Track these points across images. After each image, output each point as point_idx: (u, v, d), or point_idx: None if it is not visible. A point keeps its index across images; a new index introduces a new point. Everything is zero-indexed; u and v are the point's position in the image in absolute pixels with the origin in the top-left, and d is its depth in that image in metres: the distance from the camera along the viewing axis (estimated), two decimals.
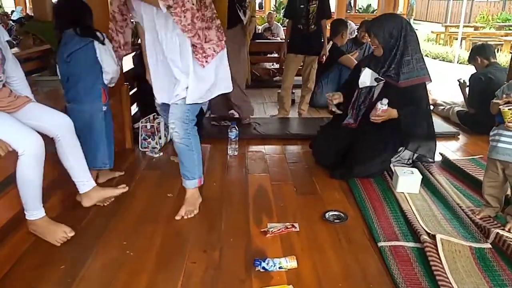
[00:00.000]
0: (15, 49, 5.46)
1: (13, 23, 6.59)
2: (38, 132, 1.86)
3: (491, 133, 2.12)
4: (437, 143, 3.35)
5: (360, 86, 2.72)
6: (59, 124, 2.03)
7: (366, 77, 2.69)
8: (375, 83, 2.67)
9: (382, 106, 2.53)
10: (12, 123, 1.81)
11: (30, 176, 1.82)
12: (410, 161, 2.84)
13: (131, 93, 3.35)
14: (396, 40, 2.58)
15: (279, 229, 2.06)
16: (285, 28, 9.28)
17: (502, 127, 2.01)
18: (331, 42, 4.42)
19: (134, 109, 3.55)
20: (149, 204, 2.37)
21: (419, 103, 2.68)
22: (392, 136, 2.70)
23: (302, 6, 3.76)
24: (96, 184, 2.24)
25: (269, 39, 7.24)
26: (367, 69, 2.71)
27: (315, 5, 3.74)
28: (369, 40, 2.66)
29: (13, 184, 1.83)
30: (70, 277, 1.72)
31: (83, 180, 2.17)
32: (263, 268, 1.76)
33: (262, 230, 2.08)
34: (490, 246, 1.94)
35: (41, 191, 1.90)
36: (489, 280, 1.72)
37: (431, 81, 2.68)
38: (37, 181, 1.86)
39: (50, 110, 2.06)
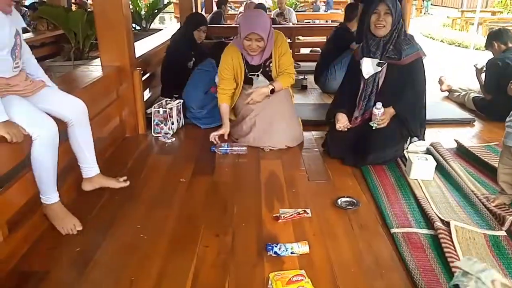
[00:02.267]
0: (30, 34, 5.52)
1: (26, 9, 6.63)
2: (52, 117, 1.88)
3: (508, 119, 2.08)
4: (452, 129, 3.31)
5: (366, 77, 2.68)
6: (73, 109, 2.06)
7: (368, 66, 2.66)
8: (379, 68, 2.63)
9: (379, 110, 2.55)
10: (27, 108, 1.83)
11: (44, 160, 1.84)
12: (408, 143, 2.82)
13: (143, 78, 3.35)
14: (398, 19, 2.57)
15: (291, 215, 2.06)
16: (297, 13, 9.21)
17: None
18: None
19: (146, 94, 3.56)
20: (162, 189, 2.39)
21: (420, 79, 2.68)
22: (404, 126, 2.68)
23: None
24: (98, 172, 2.27)
25: (282, 24, 7.17)
26: (365, 58, 2.66)
27: None
28: (379, 19, 2.53)
29: (27, 168, 1.85)
30: (84, 260, 1.75)
31: (90, 165, 2.21)
32: (275, 253, 1.77)
33: (274, 215, 2.08)
34: (505, 233, 1.92)
35: (55, 175, 1.92)
36: (504, 268, 1.71)
37: (425, 55, 2.68)
38: (51, 165, 1.88)
39: (64, 94, 2.08)
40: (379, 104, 2.56)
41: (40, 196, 1.93)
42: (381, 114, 2.57)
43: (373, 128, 2.59)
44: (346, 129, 2.71)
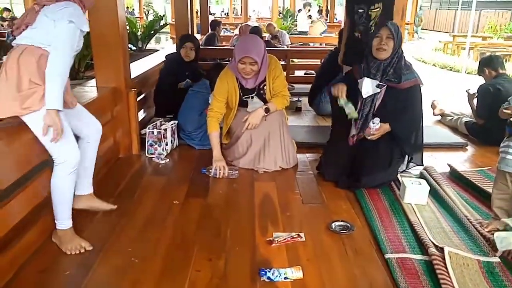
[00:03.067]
0: None
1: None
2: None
3: (502, 145, 2.10)
4: (445, 154, 3.34)
5: (364, 96, 2.71)
6: (95, 128, 2.18)
7: (368, 87, 2.69)
8: (378, 90, 2.67)
9: (375, 125, 2.58)
10: (66, 128, 1.85)
11: (64, 186, 1.89)
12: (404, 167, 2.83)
13: (138, 99, 3.36)
14: (398, 45, 2.62)
15: (285, 239, 2.04)
16: (291, 36, 9.35)
17: None
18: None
19: (141, 114, 3.56)
20: (154, 210, 2.37)
21: (416, 104, 2.72)
22: (398, 146, 2.70)
23: (361, 10, 3.38)
24: (92, 192, 2.27)
25: (276, 47, 7.27)
26: (366, 78, 2.70)
27: (378, 10, 3.31)
28: (381, 42, 2.57)
29: (20, 189, 1.83)
30: (74, 284, 1.71)
31: (89, 181, 2.24)
32: (268, 278, 1.74)
33: (267, 239, 2.07)
34: (498, 259, 1.92)
35: (71, 201, 1.94)
36: None
37: (423, 84, 2.72)
38: (69, 191, 1.92)
39: (88, 112, 2.19)
40: (376, 119, 2.57)
41: (56, 222, 1.94)
42: (375, 129, 2.59)
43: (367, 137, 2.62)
44: (340, 94, 2.68)
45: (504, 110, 2.07)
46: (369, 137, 2.63)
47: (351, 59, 3.41)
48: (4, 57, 1.87)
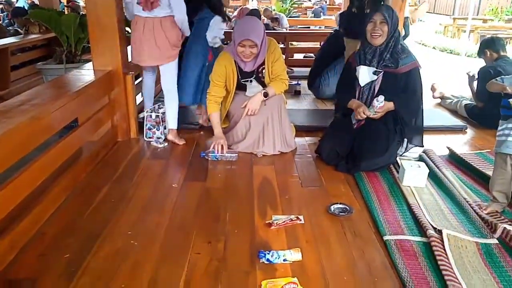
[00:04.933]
0: (21, 36, 5.47)
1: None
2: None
3: (500, 128, 2.09)
4: (445, 136, 3.34)
5: (362, 85, 2.69)
6: None
7: (365, 75, 2.67)
8: (375, 77, 2.64)
9: (379, 103, 2.56)
10: None
11: (174, 108, 3.16)
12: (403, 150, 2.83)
13: (136, 82, 3.33)
14: (394, 28, 2.58)
15: (284, 221, 2.05)
16: (289, 18, 9.24)
17: None
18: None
19: (139, 98, 3.54)
20: (153, 194, 2.37)
21: (417, 87, 2.71)
22: (399, 130, 2.69)
23: None
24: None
25: (275, 30, 7.19)
26: (362, 66, 2.67)
27: None
28: (375, 28, 2.54)
29: (18, 173, 1.83)
30: (74, 267, 1.72)
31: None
32: (268, 260, 1.75)
33: (266, 222, 2.07)
34: (496, 241, 1.92)
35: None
36: (496, 275, 1.71)
37: (421, 67, 2.71)
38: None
39: None
40: (381, 97, 2.54)
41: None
42: (379, 107, 2.56)
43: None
44: (365, 116, 2.64)
45: (496, 81, 2.08)
46: (372, 115, 2.59)
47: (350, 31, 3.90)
48: None
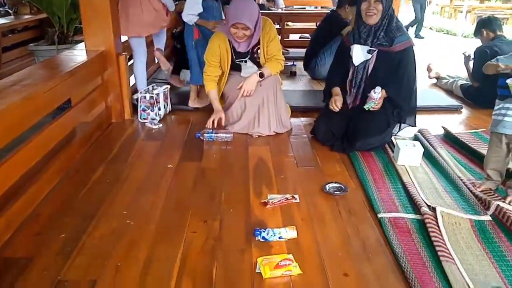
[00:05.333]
0: (12, 18, 5.38)
1: None
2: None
3: (496, 107, 2.08)
4: (440, 116, 3.35)
5: (356, 64, 2.67)
6: None
7: (359, 54, 2.65)
8: (369, 56, 2.62)
9: (377, 94, 2.54)
10: None
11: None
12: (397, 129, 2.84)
13: (129, 63, 3.29)
14: (388, 6, 2.56)
15: (279, 200, 2.05)
16: None
17: (510, 100, 1.98)
18: None
19: (132, 79, 3.50)
20: (148, 175, 2.36)
21: (410, 67, 2.68)
22: (393, 110, 2.68)
23: None
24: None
25: (271, 10, 7.10)
26: (356, 45, 2.65)
27: None
28: (370, 7, 2.51)
29: (11, 153, 1.81)
30: (70, 246, 1.72)
31: None
32: (263, 238, 1.76)
33: (262, 201, 2.08)
34: (490, 218, 1.94)
35: None
36: (489, 251, 1.73)
37: (414, 45, 2.69)
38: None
39: None
40: (378, 88, 2.53)
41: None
42: (378, 98, 2.55)
43: (367, 110, 2.57)
44: (337, 109, 2.68)
45: (489, 63, 2.07)
46: (373, 109, 2.57)
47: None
48: None
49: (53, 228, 1.84)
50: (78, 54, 2.83)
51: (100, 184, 2.24)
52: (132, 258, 1.66)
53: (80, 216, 1.94)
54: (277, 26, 6.06)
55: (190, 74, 3.49)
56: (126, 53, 3.13)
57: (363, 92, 2.69)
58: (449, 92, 4.05)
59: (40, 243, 1.74)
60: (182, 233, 1.82)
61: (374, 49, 2.61)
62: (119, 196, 2.12)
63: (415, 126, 2.84)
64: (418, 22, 8.34)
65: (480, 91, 3.60)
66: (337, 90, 2.78)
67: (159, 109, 3.17)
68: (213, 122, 2.89)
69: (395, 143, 2.60)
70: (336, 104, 2.68)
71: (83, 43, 3.02)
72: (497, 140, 2.10)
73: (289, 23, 6.94)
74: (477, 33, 3.76)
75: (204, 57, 2.95)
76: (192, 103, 3.44)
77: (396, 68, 2.63)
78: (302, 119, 3.28)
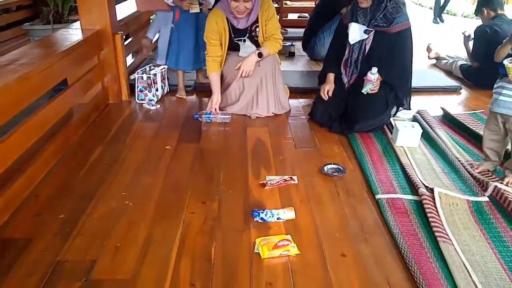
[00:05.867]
0: None
1: None
2: None
3: (495, 86, 2.08)
4: (439, 97, 3.33)
5: (352, 42, 2.64)
6: None
7: (355, 32, 2.61)
8: (366, 36, 2.59)
9: (374, 75, 2.50)
10: None
11: None
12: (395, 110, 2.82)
13: (126, 42, 3.24)
14: None
15: (278, 182, 2.06)
16: None
17: (505, 79, 1.97)
18: None
19: (130, 60, 3.46)
20: (147, 156, 2.35)
21: (407, 49, 2.66)
22: (391, 91, 2.66)
23: None
24: None
25: None
26: (353, 24, 2.61)
27: None
28: None
29: (6, 135, 1.80)
30: (69, 227, 1.73)
31: None
32: (261, 218, 1.77)
33: (260, 182, 2.08)
34: (487, 199, 1.95)
35: None
36: (486, 232, 1.74)
37: (411, 25, 2.65)
38: None
39: None
40: (374, 69, 2.50)
41: None
42: (375, 80, 2.52)
43: (365, 93, 2.55)
44: (326, 97, 2.69)
45: (499, 48, 2.04)
46: (371, 91, 2.54)
47: None
48: None
49: (52, 209, 1.85)
50: (73, 33, 2.78)
51: (98, 165, 2.24)
52: (131, 239, 1.67)
53: (79, 197, 1.94)
54: (276, 5, 5.97)
55: (164, 52, 3.28)
56: (122, 31, 3.08)
57: (360, 73, 2.66)
58: (449, 72, 4.02)
59: (39, 223, 1.75)
60: (181, 213, 1.83)
61: (371, 29, 2.57)
62: (118, 177, 2.12)
63: (410, 109, 2.82)
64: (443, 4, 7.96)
65: (479, 71, 3.57)
66: (330, 77, 2.77)
67: (157, 90, 3.14)
68: (214, 107, 2.87)
69: (393, 124, 2.59)
70: (327, 92, 2.70)
71: (78, 22, 2.97)
72: (493, 118, 2.10)
73: (288, 2, 6.84)
74: (478, 12, 3.71)
75: (204, 37, 2.90)
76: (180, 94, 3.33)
77: (393, 49, 2.60)
78: (301, 100, 3.26)
